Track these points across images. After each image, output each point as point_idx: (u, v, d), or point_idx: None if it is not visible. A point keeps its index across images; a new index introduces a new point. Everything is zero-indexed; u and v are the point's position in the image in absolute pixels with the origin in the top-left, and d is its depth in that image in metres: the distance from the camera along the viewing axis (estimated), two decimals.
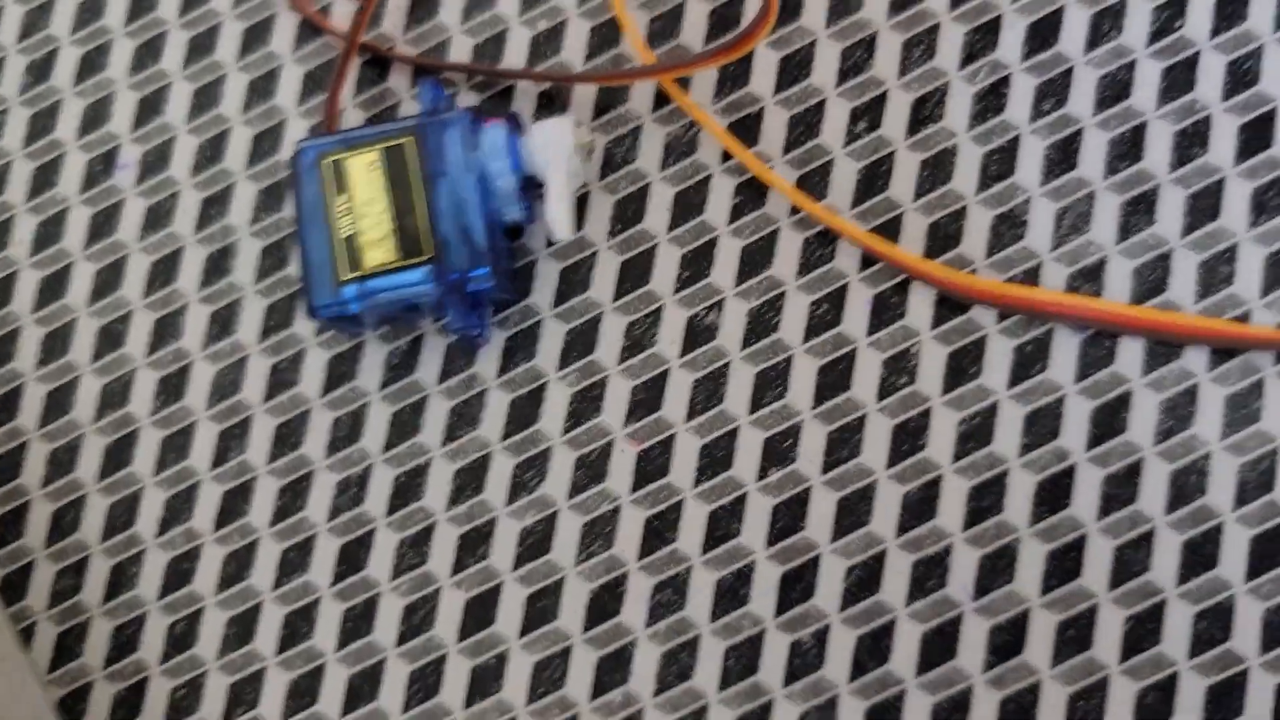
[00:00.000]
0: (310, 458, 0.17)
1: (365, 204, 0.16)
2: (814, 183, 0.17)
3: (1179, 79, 0.16)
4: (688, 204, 0.17)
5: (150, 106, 0.18)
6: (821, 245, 0.16)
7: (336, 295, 0.16)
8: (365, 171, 0.16)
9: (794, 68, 0.17)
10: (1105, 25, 0.17)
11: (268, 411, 0.17)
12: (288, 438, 0.17)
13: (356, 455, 0.17)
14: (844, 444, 0.16)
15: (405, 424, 0.17)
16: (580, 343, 0.17)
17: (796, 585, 0.16)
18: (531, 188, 0.16)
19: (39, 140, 0.19)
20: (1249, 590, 0.15)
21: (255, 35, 0.18)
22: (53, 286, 0.18)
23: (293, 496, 0.17)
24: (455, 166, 0.16)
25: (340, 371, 0.17)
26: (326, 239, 0.16)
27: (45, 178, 0.18)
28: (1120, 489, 0.15)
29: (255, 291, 0.18)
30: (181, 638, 0.17)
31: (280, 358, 0.17)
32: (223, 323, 0.17)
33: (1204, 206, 0.16)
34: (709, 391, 0.16)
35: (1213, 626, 0.15)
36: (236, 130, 0.18)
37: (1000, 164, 0.16)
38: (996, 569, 0.15)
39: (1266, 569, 0.15)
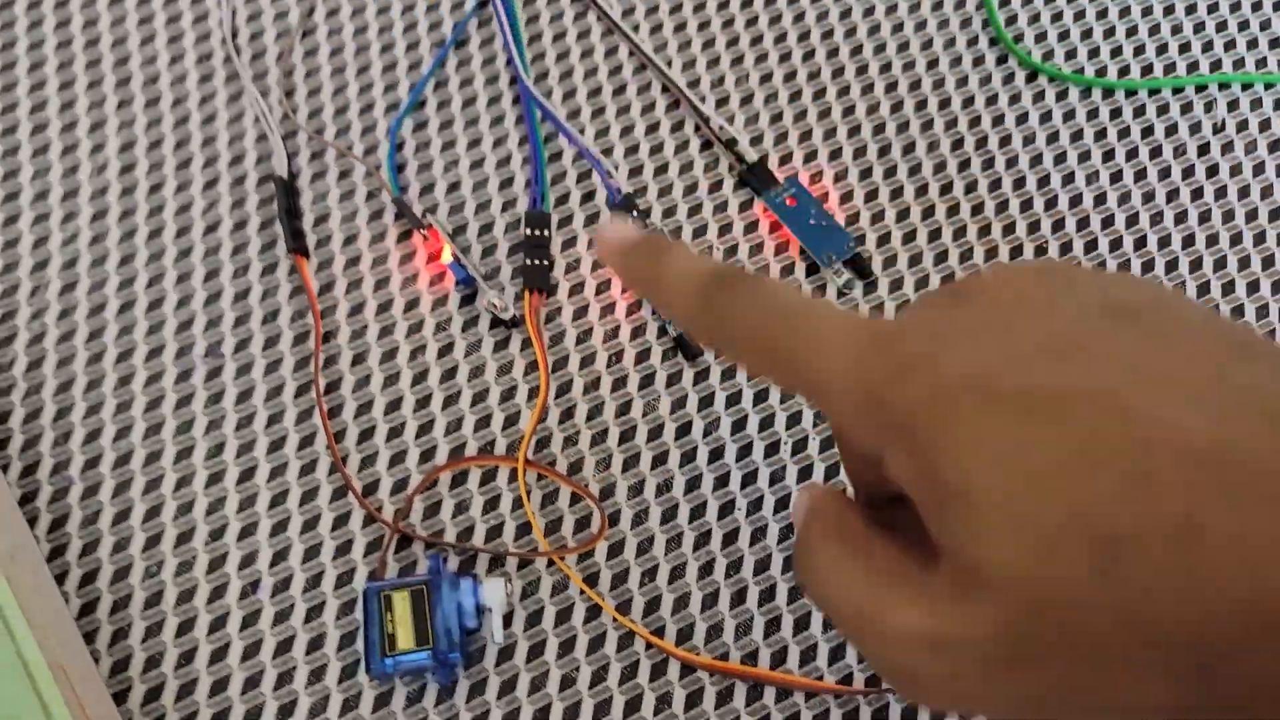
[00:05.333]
0: None
1: (400, 618, 0.32)
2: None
3: None
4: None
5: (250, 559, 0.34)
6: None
7: (382, 664, 0.31)
8: (401, 601, 0.32)
9: (646, 541, 0.34)
10: None
11: None
12: None
13: None
14: None
15: None
16: (509, 687, 0.32)
17: None
18: (483, 609, 0.32)
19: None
20: None
21: (340, 521, 0.34)
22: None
23: None
24: (446, 600, 0.32)
25: (383, 702, 0.32)
26: (379, 634, 0.32)
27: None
28: None
29: (336, 659, 0.33)
30: None
31: (349, 695, 0.32)
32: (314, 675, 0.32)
33: None
34: None
35: None
36: (328, 571, 0.34)
37: None
38: None
39: None
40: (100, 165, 0.38)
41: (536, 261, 0.37)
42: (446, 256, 0.36)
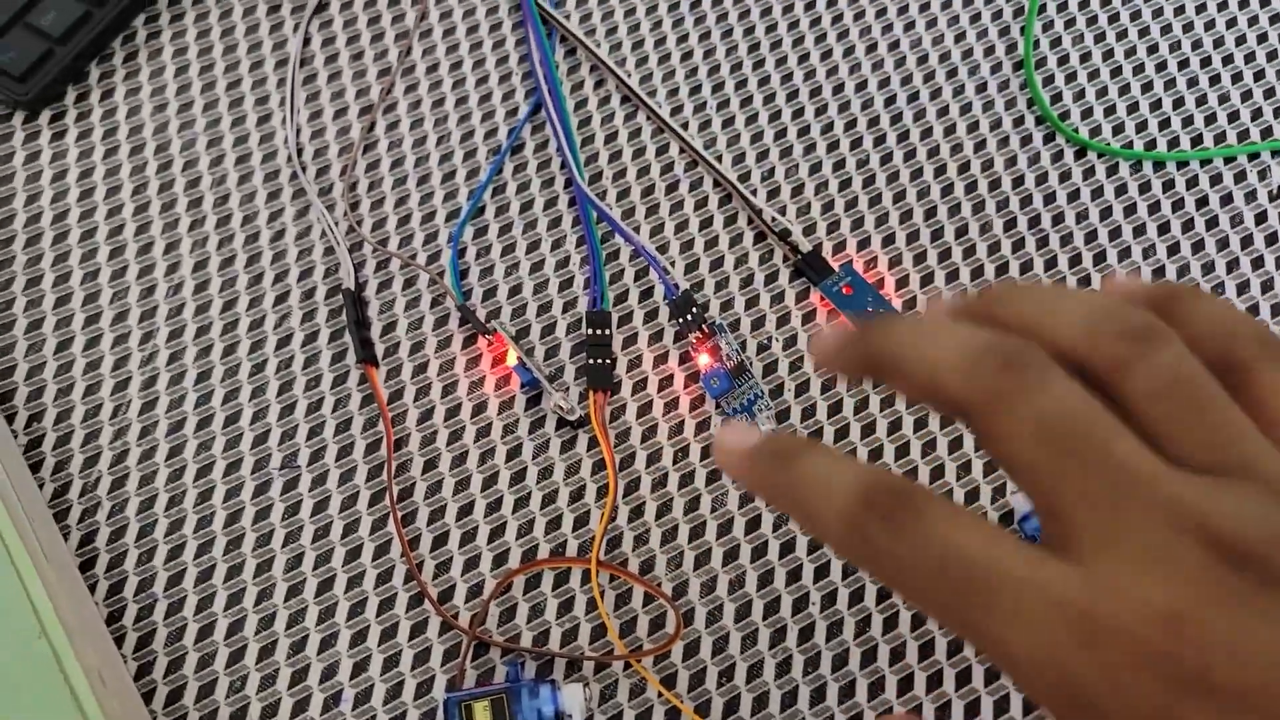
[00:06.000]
0: None
1: None
2: None
3: None
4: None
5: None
6: None
7: None
8: (482, 712, 0.32)
9: (721, 640, 0.34)
10: None
11: None
12: None
13: None
14: None
15: None
16: None
17: None
18: (563, 716, 0.32)
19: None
20: None
21: (419, 629, 0.35)
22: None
23: None
24: (526, 708, 0.32)
25: None
26: None
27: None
28: None
29: None
30: None
31: None
32: None
33: None
34: None
35: None
36: (408, 681, 0.34)
37: None
38: None
39: None
40: (176, 285, 0.39)
41: (599, 360, 0.37)
42: (511, 360, 0.37)
